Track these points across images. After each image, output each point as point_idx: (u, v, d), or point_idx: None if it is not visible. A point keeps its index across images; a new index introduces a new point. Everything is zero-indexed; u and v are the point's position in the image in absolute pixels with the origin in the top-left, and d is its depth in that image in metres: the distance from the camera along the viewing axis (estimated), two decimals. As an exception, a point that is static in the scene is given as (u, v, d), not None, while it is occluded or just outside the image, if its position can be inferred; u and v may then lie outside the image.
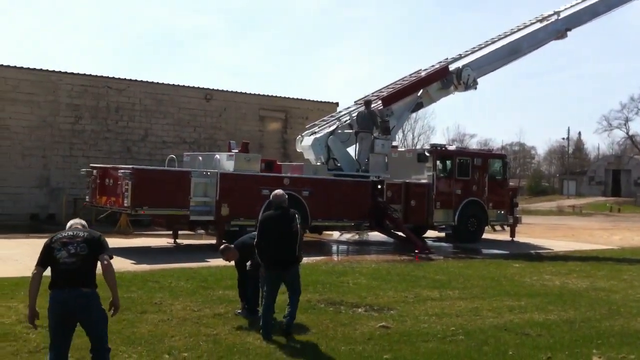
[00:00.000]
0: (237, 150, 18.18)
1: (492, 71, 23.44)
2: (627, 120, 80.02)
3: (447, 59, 22.98)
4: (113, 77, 26.45)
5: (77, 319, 5.37)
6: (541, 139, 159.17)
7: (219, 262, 10.57)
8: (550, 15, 23.91)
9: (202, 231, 19.06)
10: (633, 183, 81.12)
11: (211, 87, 28.83)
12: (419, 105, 22.88)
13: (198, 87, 28.52)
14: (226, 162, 17.82)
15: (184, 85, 28.14)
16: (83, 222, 5.85)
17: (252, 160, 17.92)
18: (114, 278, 5.45)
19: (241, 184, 16.99)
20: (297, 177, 18.34)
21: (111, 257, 5.52)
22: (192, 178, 16.40)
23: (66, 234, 5.53)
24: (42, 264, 5.45)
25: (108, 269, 5.42)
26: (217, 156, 18.49)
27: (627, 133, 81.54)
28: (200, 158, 19.12)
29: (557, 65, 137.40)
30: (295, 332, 8.08)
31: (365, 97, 21.68)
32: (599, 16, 24.48)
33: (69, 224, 5.78)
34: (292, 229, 8.01)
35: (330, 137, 20.24)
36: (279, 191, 8.44)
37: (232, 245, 9.15)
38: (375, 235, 22.11)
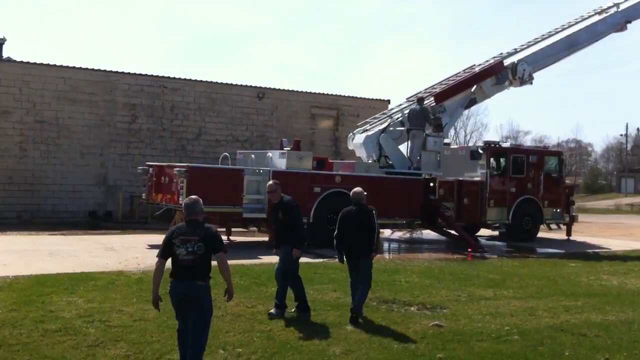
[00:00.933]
0: (289, 148, 18.32)
1: (549, 65, 22.95)
2: (690, 115, 77.27)
3: (502, 53, 22.61)
4: (168, 77, 26.97)
5: (191, 305, 5.98)
6: (598, 136, 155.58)
7: (272, 259, 10.68)
8: (609, 7, 23.25)
9: (255, 228, 19.29)
10: (696, 180, 78.39)
11: (263, 86, 29.11)
12: (472, 102, 22.61)
13: (250, 86, 28.82)
14: (278, 159, 17.98)
15: (236, 84, 28.49)
16: (198, 201, 6.22)
17: (303, 158, 18.03)
18: (229, 270, 6.19)
19: (293, 182, 17.03)
20: (348, 175, 18.36)
21: (225, 252, 6.13)
22: (245, 176, 16.60)
23: (185, 230, 6.03)
24: (163, 256, 6.09)
25: (223, 264, 6.11)
26: (270, 154, 18.67)
27: (690, 128, 78.74)
28: (252, 156, 19.34)
29: (615, 59, 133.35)
30: (347, 330, 8.13)
31: (418, 93, 21.55)
32: None
33: (185, 202, 6.25)
34: (368, 224, 8.80)
35: (382, 134, 20.19)
36: (358, 189, 9.14)
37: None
38: (428, 234, 21.99)
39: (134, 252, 15.18)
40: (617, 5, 23.24)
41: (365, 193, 9.13)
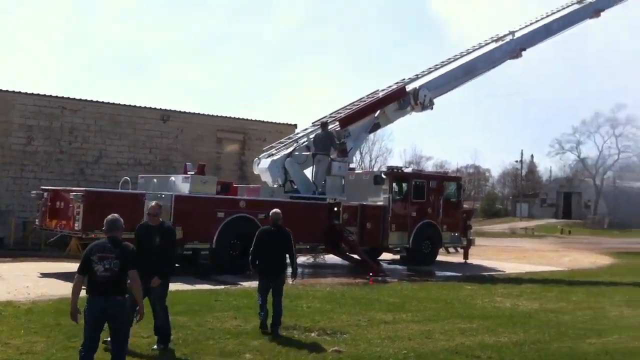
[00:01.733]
0: (192, 172, 18.07)
1: (449, 91, 23.85)
2: (578, 143, 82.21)
3: (404, 79, 23.26)
4: (68, 98, 26.08)
5: (109, 322, 6.27)
6: (495, 162, 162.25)
7: (174, 286, 10.43)
8: (505, 35, 24.49)
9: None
10: (583, 205, 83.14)
11: (168, 108, 28.67)
12: (376, 126, 23.13)
13: (155, 108, 28.31)
14: (181, 184, 17.68)
15: (140, 106, 27.91)
16: (120, 218, 6.70)
17: (207, 182, 17.82)
18: (140, 288, 6.47)
19: (196, 207, 16.86)
20: (253, 200, 18.31)
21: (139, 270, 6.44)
22: (145, 200, 16.18)
23: (104, 247, 6.33)
24: (82, 271, 6.30)
25: (134, 281, 6.38)
26: (172, 178, 18.35)
27: (579, 156, 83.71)
28: (155, 180, 18.93)
29: (512, 88, 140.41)
30: (246, 359, 8.03)
31: (323, 118, 21.83)
32: (552, 36, 25.20)
33: (107, 219, 6.64)
34: (286, 245, 9.69)
35: (288, 159, 20.26)
36: (276, 210, 10.01)
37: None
38: (331, 258, 22.16)
39: (24, 281, 14.43)
40: (512, 33, 24.52)
41: (281, 214, 9.89)
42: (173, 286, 10.13)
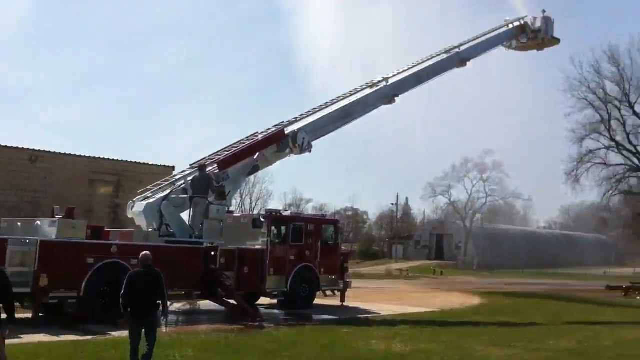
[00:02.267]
0: (60, 216, 17.20)
1: (327, 134, 24.38)
2: (449, 187, 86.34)
3: (283, 122, 23.53)
4: None
5: None
6: (373, 205, 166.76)
7: (37, 337, 9.80)
8: (379, 82, 25.53)
9: (17, 304, 17.58)
10: (454, 247, 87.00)
11: (37, 149, 27.32)
12: (255, 169, 23.18)
13: (22, 148, 26.90)
14: (48, 228, 16.75)
15: (6, 146, 26.40)
16: None
17: (76, 226, 16.95)
18: None
19: (63, 253, 16.00)
20: (125, 245, 17.60)
21: None
22: (8, 246, 15.22)
23: None
24: None
25: None
26: (38, 222, 17.36)
27: (450, 199, 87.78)
28: (19, 224, 17.83)
29: (388, 132, 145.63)
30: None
31: (201, 160, 21.59)
32: (422, 83, 26.61)
33: None
34: (157, 286, 9.82)
35: (164, 202, 19.80)
36: (146, 252, 10.24)
37: None
38: (207, 304, 21.66)
39: None
40: (386, 80, 25.63)
41: (151, 256, 10.12)
42: (35, 338, 9.56)
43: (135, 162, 30.55)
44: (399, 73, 26.14)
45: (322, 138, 24.15)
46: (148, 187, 21.44)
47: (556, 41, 31.49)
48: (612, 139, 46.54)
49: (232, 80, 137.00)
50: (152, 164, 30.89)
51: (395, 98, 25.63)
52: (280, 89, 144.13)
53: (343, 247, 26.92)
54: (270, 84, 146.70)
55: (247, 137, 22.80)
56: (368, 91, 25.29)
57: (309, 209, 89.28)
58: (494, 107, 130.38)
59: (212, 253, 19.99)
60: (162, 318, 10.11)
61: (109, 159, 29.68)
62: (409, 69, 26.37)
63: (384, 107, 25.71)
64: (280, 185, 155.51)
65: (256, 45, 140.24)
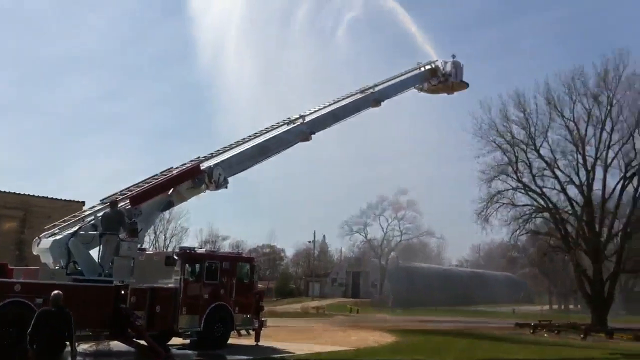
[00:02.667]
0: (-42, 253, 16.28)
1: (243, 170, 24.24)
2: (365, 225, 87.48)
3: (199, 157, 23.27)
4: None
5: None
6: (290, 242, 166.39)
7: None
8: (296, 119, 25.75)
9: None
10: (370, 284, 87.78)
11: None
12: (169, 204, 22.68)
13: None
14: (-57, 267, 15.80)
15: None
16: None
17: (-23, 263, 16.12)
18: None
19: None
20: (30, 283, 16.80)
21: None
22: None
23: None
24: None
25: None
26: None
27: (366, 237, 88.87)
28: None
29: (306, 169, 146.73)
30: None
31: (113, 195, 20.98)
32: (338, 121, 27.07)
33: None
34: (67, 326, 9.85)
35: (72, 239, 19.06)
36: (56, 291, 10.27)
37: None
38: (117, 345, 20.85)
39: None
40: (303, 117, 25.88)
41: (62, 295, 10.19)
42: None
43: (43, 196, 29.41)
44: (315, 111, 26.51)
45: (239, 174, 24.03)
46: (56, 222, 20.61)
47: (465, 85, 32.79)
48: (519, 181, 48.54)
49: (146, 115, 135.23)
50: (61, 199, 29.82)
51: (312, 135, 25.92)
52: (194, 125, 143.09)
53: (259, 285, 26.64)
54: (186, 119, 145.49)
55: (162, 172, 22.38)
56: (285, 128, 25.47)
57: (225, 247, 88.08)
58: (408, 147, 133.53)
59: (122, 292, 19.33)
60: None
61: (14, 193, 28.44)
62: (325, 107, 26.83)
63: (301, 144, 25.92)
64: (196, 222, 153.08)
65: (171, 81, 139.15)
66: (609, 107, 47.20)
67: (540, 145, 48.68)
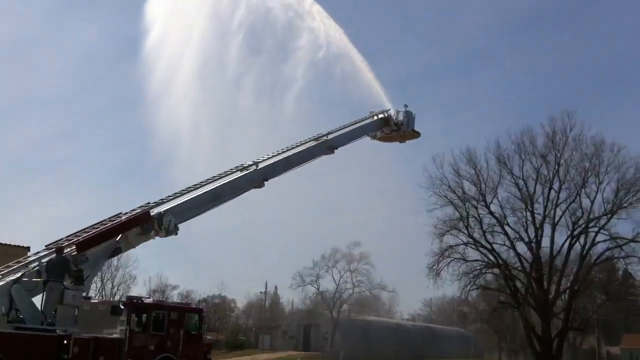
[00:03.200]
0: None
1: (194, 217, 23.93)
2: (318, 277, 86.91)
3: (149, 203, 22.91)
4: None
5: None
6: (241, 292, 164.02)
7: None
8: (250, 165, 25.69)
9: None
10: (321, 337, 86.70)
11: None
12: (117, 251, 22.19)
13: None
14: None
15: None
16: None
17: None
18: None
19: None
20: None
21: None
22: None
23: None
24: None
25: None
26: None
27: (318, 289, 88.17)
28: None
29: (260, 219, 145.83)
30: None
31: (59, 241, 20.47)
32: (292, 168, 27.12)
33: None
34: None
35: (14, 285, 18.49)
36: None
37: None
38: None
39: None
40: (256, 164, 25.84)
41: None
42: None
43: (-13, 240, 28.53)
44: (269, 157, 26.53)
45: (189, 221, 23.75)
46: (-2, 268, 19.98)
47: (417, 134, 33.31)
48: (470, 236, 49.27)
49: (97, 158, 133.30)
50: (4, 244, 28.95)
51: (265, 182, 25.91)
52: (145, 170, 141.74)
53: (208, 337, 26.07)
54: (137, 165, 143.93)
55: (110, 218, 21.96)
56: (238, 174, 25.39)
57: (174, 296, 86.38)
58: (363, 199, 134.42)
59: (65, 342, 18.71)
60: None
61: (-45, 236, 27.54)
62: (279, 153, 26.89)
63: (256, 193, 25.87)
64: (145, 270, 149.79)
65: (123, 126, 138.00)
66: (556, 167, 48.75)
67: (491, 202, 49.80)
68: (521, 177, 49.59)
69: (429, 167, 50.34)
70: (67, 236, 20.93)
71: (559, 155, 48.86)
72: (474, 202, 49.78)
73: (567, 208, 48.65)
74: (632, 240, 46.42)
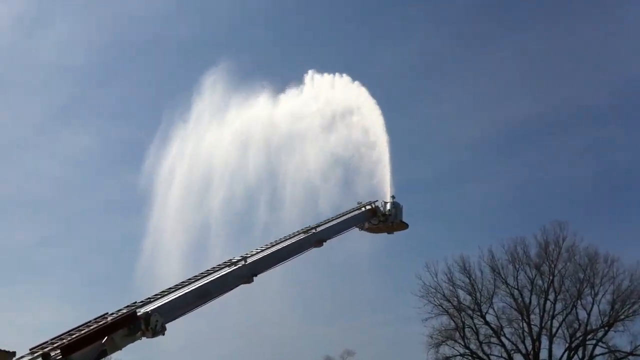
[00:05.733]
0: None
1: (182, 315, 23.29)
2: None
3: (135, 302, 22.49)
4: None
5: None
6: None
7: None
8: (238, 261, 25.39)
9: None
10: None
11: None
12: (102, 354, 21.45)
13: None
14: None
15: None
16: None
17: None
18: None
19: None
20: None
21: None
22: None
23: None
24: None
25: None
26: None
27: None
28: None
29: (249, 323, 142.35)
30: None
31: (43, 344, 19.92)
32: (281, 262, 26.75)
33: None
34: None
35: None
36: None
37: None
38: None
39: None
40: (244, 259, 25.54)
41: None
42: None
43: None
44: (257, 252, 26.36)
45: (177, 319, 23.35)
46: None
47: (405, 225, 33.34)
48: (467, 347, 48.19)
49: (83, 262, 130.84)
50: (-11, 349, 28.18)
51: (254, 277, 25.64)
52: (132, 274, 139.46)
53: None
54: (124, 268, 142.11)
55: (95, 319, 21.42)
56: (226, 270, 25.14)
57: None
58: (355, 306, 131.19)
59: None
60: None
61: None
62: (267, 248, 26.68)
63: (246, 292, 25.50)
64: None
65: (112, 230, 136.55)
66: (551, 277, 48.52)
67: (487, 312, 49.15)
68: (516, 287, 49.41)
69: (423, 275, 50.11)
70: (52, 339, 20.38)
71: (552, 265, 48.89)
72: (470, 312, 49.20)
73: (563, 320, 48.15)
74: (631, 354, 45.89)
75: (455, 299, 49.24)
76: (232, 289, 25.13)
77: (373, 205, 32.49)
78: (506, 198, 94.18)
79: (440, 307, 48.74)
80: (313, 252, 28.33)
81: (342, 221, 30.59)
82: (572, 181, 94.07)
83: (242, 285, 25.37)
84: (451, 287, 49.42)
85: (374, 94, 32.10)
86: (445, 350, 48.12)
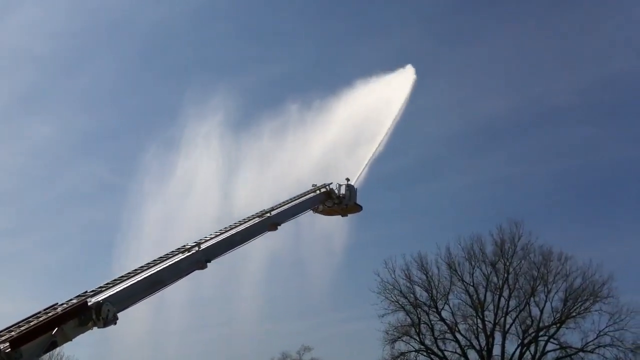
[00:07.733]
0: None
1: (135, 304, 22.75)
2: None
3: (86, 291, 21.77)
4: None
5: None
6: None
7: None
8: (192, 247, 24.88)
9: None
10: None
11: None
12: (53, 345, 20.79)
13: None
14: None
15: None
16: None
17: None
18: None
19: None
20: None
21: None
22: None
23: None
24: None
25: None
26: None
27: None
28: None
29: (212, 320, 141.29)
30: None
31: (-10, 339, 19.20)
32: (236, 247, 26.32)
33: None
34: None
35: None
36: None
37: None
38: None
39: None
40: (198, 245, 25.04)
41: None
42: None
43: None
44: (211, 238, 25.87)
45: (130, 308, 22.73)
46: None
47: (359, 208, 33.36)
48: (422, 343, 48.56)
49: (42, 254, 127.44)
50: None
51: (207, 263, 25.19)
52: (96, 265, 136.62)
53: None
54: (88, 260, 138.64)
55: (45, 310, 20.66)
56: (180, 257, 24.60)
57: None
58: (312, 303, 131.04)
59: None
60: None
61: None
62: (221, 233, 26.23)
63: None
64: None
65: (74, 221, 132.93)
66: (506, 275, 49.18)
67: (442, 308, 49.56)
68: (472, 284, 49.92)
69: (381, 271, 50.27)
70: (0, 331, 19.70)
71: (507, 263, 49.52)
72: (426, 308, 49.59)
73: (517, 316, 48.88)
74: (581, 350, 46.67)
75: (412, 295, 49.83)
76: (185, 275, 24.63)
77: (328, 188, 32.36)
78: (473, 196, 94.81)
79: (397, 303, 49.16)
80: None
81: (297, 204, 30.33)
82: (535, 179, 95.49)
83: (195, 276, 25.07)
84: (408, 284, 49.87)
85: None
86: (401, 346, 48.68)
